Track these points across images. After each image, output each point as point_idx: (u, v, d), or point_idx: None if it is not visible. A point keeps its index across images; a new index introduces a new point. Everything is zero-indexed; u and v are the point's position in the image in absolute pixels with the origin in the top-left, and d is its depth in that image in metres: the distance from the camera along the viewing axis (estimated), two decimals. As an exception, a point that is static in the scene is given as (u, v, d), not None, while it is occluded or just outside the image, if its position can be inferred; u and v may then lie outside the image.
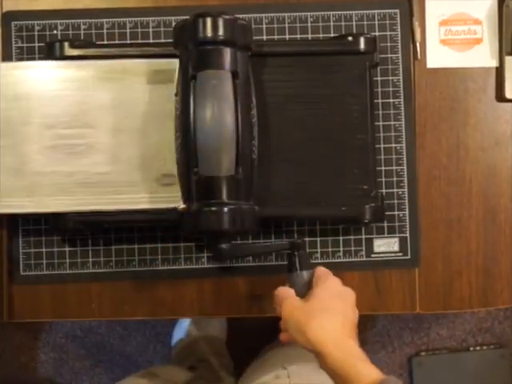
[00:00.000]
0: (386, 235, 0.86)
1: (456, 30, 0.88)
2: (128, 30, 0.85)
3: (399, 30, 0.87)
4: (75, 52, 0.79)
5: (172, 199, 0.76)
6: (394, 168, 0.86)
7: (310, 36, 0.86)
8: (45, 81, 0.78)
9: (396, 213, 0.86)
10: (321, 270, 0.75)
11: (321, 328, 0.66)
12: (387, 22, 0.87)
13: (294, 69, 0.81)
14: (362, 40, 0.81)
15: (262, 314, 0.86)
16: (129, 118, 0.78)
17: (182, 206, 0.75)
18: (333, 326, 0.67)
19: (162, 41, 0.85)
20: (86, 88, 0.77)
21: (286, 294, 0.73)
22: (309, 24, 0.86)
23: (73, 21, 0.85)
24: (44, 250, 0.84)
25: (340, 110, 0.81)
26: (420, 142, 0.87)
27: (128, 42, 0.85)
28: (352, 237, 0.86)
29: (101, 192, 0.77)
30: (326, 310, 0.68)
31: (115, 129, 0.77)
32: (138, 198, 0.77)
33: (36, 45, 0.85)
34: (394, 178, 0.86)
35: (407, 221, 0.86)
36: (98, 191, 0.77)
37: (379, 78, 0.86)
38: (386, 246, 0.86)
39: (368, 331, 1.52)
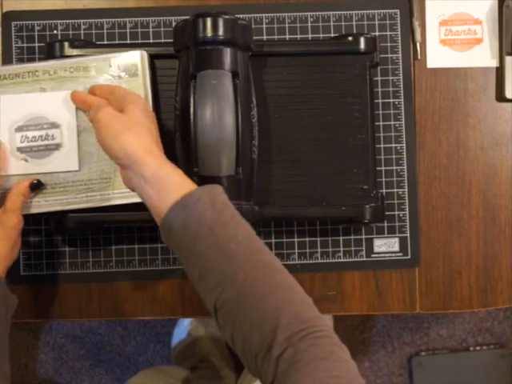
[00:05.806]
0: (386, 235, 0.86)
1: (456, 30, 0.88)
2: (128, 30, 0.85)
3: (399, 30, 0.87)
4: (75, 52, 0.79)
5: None
6: (394, 168, 0.86)
7: (310, 36, 0.86)
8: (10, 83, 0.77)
9: (396, 213, 0.86)
10: (125, 89, 0.74)
11: (136, 138, 0.68)
12: (387, 22, 0.87)
13: (294, 69, 0.81)
14: (362, 40, 0.81)
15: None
16: None
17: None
18: (147, 138, 0.68)
19: (162, 41, 0.85)
20: (50, 88, 0.77)
21: (101, 102, 0.73)
22: (309, 24, 0.86)
23: (73, 21, 0.85)
24: (44, 250, 0.84)
25: (340, 109, 0.81)
26: (420, 142, 0.87)
27: (128, 42, 0.85)
28: (352, 237, 0.86)
29: (73, 191, 0.77)
30: (141, 125, 0.69)
31: (81, 126, 0.77)
32: (110, 195, 0.77)
33: (36, 45, 0.85)
34: (394, 178, 0.86)
35: (407, 221, 0.86)
36: (70, 190, 0.77)
37: (379, 78, 0.86)
38: (386, 245, 0.86)
39: (368, 331, 1.52)
